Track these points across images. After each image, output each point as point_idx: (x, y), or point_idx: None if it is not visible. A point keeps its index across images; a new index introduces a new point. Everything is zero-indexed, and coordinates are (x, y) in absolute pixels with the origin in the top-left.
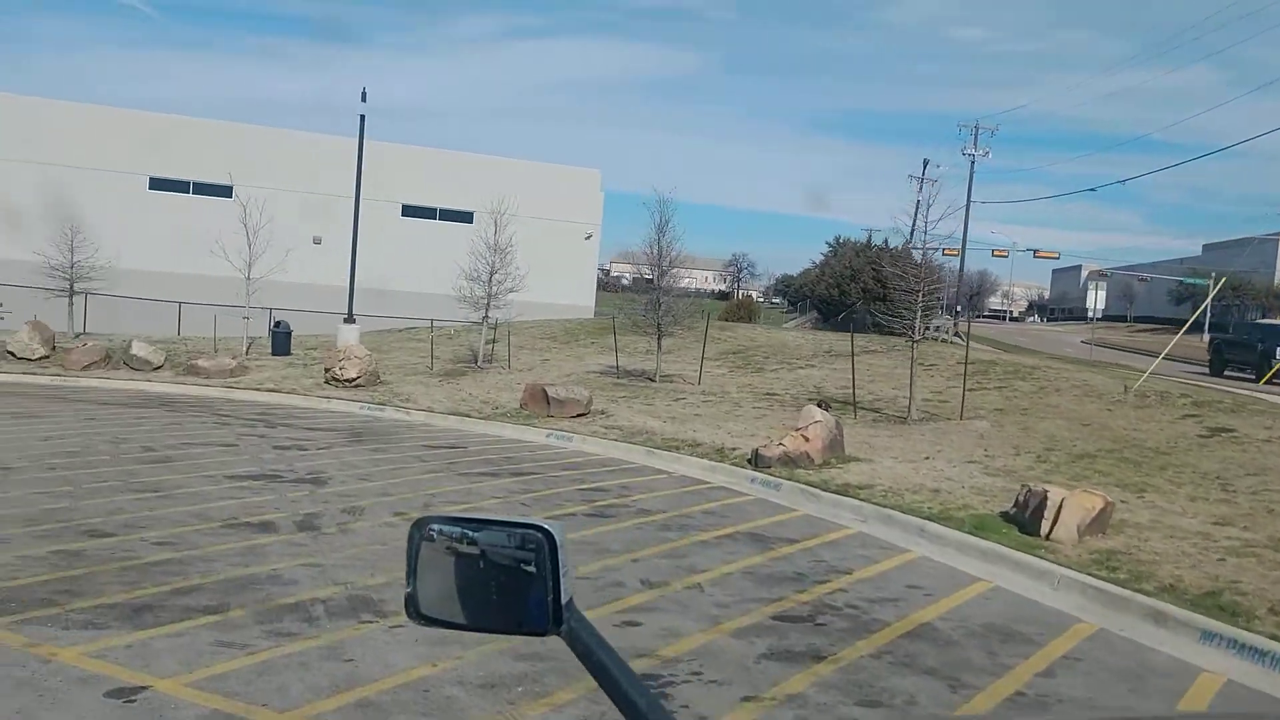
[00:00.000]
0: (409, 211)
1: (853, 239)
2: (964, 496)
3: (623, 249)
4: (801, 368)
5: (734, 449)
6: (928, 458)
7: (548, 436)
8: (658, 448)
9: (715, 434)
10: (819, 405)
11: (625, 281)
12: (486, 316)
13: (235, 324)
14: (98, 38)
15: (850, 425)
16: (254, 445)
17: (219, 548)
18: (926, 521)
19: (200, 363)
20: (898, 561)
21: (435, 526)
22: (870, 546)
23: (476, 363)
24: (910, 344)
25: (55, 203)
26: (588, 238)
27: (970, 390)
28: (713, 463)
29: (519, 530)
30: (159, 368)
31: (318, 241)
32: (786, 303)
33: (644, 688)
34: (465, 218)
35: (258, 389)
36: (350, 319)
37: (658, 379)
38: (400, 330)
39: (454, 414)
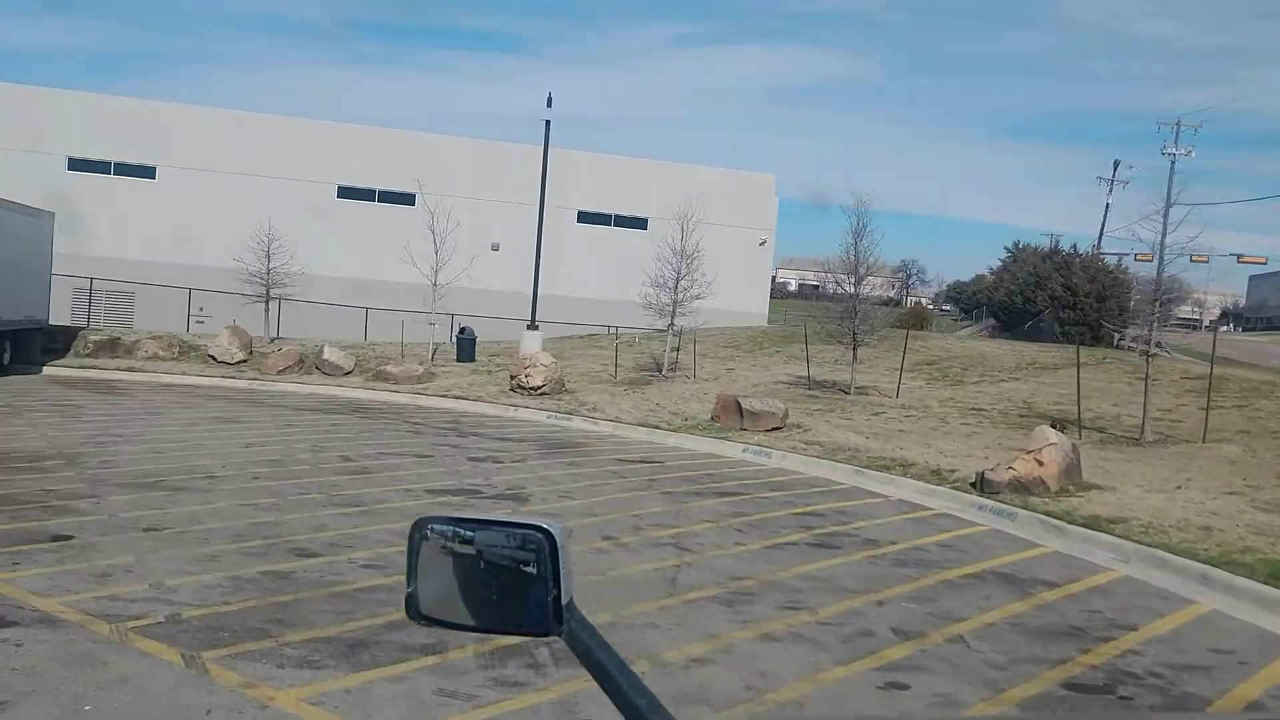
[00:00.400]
0: (584, 218)
1: (1033, 244)
2: (1241, 536)
3: (788, 255)
4: (1005, 381)
5: (952, 471)
6: (1179, 487)
7: (744, 451)
8: (865, 467)
9: (926, 453)
10: (1052, 426)
11: (791, 288)
12: (672, 324)
13: (420, 329)
14: (287, 57)
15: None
16: (449, 456)
17: None
18: (1208, 567)
19: (389, 368)
20: (1187, 616)
21: (436, 526)
22: (1147, 595)
23: (661, 371)
24: (1144, 358)
25: (250, 211)
26: (762, 243)
27: (1205, 409)
28: (930, 486)
29: (519, 530)
30: (349, 373)
31: (496, 248)
32: (959, 310)
33: (644, 688)
34: (639, 224)
35: (445, 395)
36: (533, 326)
37: (852, 391)
38: (580, 337)
39: (643, 425)
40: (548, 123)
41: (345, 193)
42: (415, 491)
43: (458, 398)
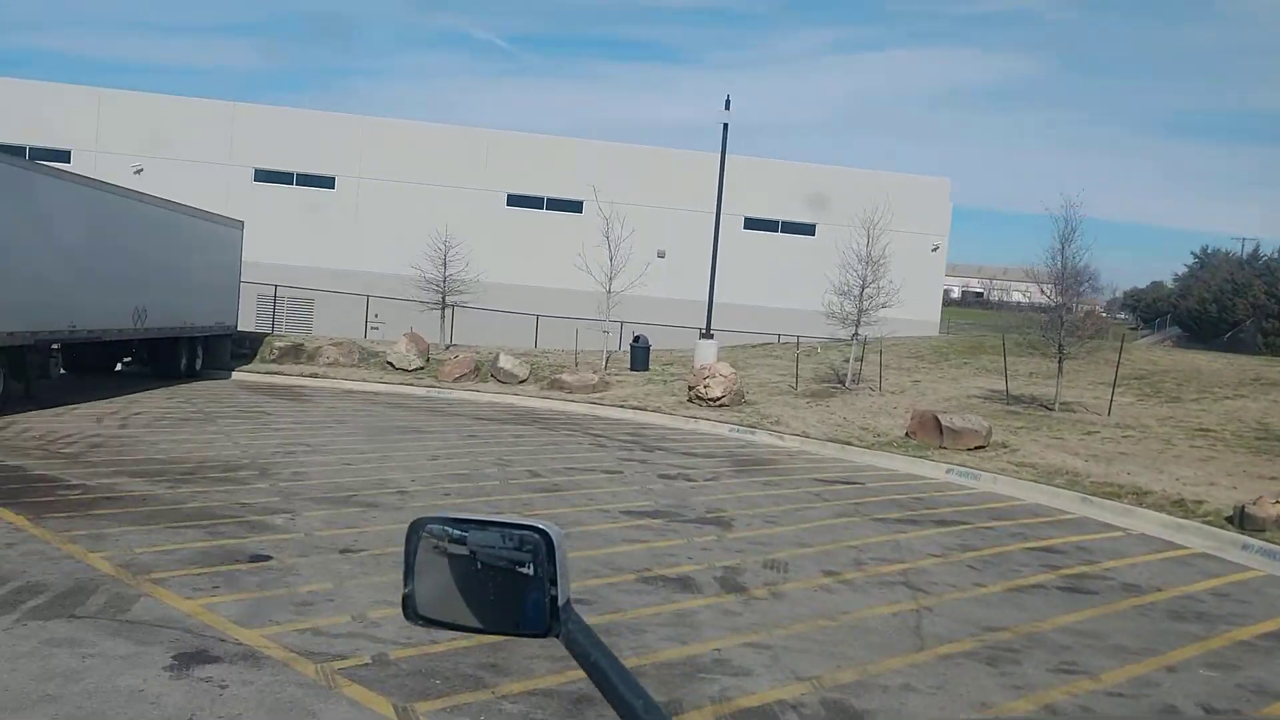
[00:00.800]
0: (751, 224)
1: (1223, 250)
2: None
3: (949, 262)
4: (1229, 398)
5: (1198, 502)
6: None
7: (948, 473)
8: (1091, 494)
9: (1159, 480)
10: None
11: (954, 295)
12: (856, 333)
13: (591, 337)
14: (457, 69)
15: None
16: (638, 473)
17: (643, 611)
18: None
19: (564, 377)
20: None
21: (433, 526)
22: None
23: (843, 383)
24: None
25: (421, 218)
26: (934, 250)
27: None
28: (1176, 519)
29: (516, 531)
30: (523, 381)
31: (661, 255)
32: (1136, 319)
33: (642, 690)
34: (807, 230)
35: (622, 406)
36: (708, 334)
37: (1056, 407)
38: (753, 346)
39: (832, 440)
40: (725, 126)
41: (515, 200)
42: (611, 513)
43: (635, 408)
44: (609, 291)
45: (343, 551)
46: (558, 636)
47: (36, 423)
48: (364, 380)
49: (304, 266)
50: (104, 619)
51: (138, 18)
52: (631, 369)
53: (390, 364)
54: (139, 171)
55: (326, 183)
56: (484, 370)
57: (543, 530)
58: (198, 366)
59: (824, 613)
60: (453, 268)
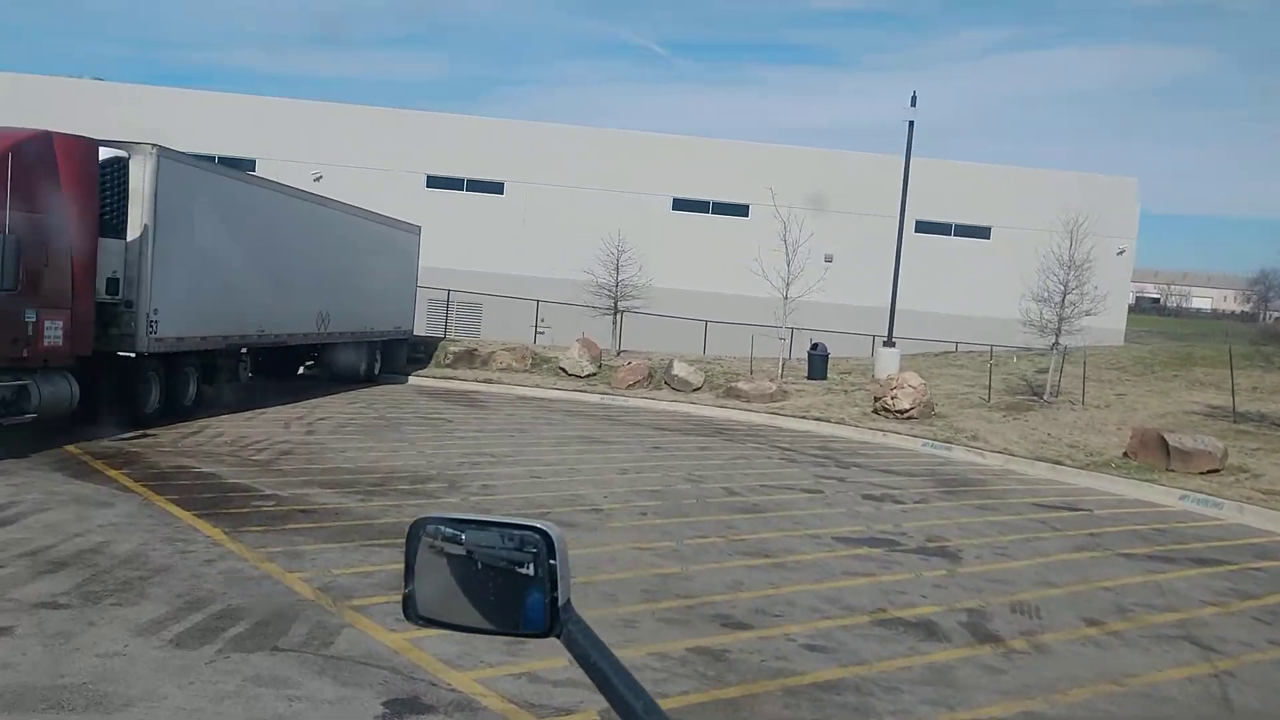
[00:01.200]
0: (923, 227)
1: None
2: None
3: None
4: None
5: None
6: None
7: (1182, 500)
8: None
9: None
10: None
11: (1129, 301)
12: (1056, 343)
13: (761, 344)
14: (614, 76)
15: None
16: (840, 493)
17: (890, 665)
18: None
19: (740, 385)
20: None
21: (433, 526)
22: None
23: (1040, 396)
24: None
25: (587, 223)
26: (1120, 253)
27: None
28: None
29: (517, 531)
30: (698, 389)
31: (829, 260)
32: None
33: (641, 690)
34: (982, 233)
35: (803, 416)
36: (890, 342)
37: None
38: (935, 355)
39: (1040, 459)
40: (911, 124)
41: (680, 205)
42: (823, 539)
43: (817, 419)
44: (786, 297)
45: None
46: (558, 637)
47: (228, 427)
48: (537, 386)
49: (470, 271)
50: (308, 653)
51: (315, 33)
52: (809, 377)
53: (563, 370)
54: (318, 179)
55: (495, 188)
56: (657, 377)
57: (543, 530)
58: (377, 371)
59: (1104, 674)
60: (625, 272)
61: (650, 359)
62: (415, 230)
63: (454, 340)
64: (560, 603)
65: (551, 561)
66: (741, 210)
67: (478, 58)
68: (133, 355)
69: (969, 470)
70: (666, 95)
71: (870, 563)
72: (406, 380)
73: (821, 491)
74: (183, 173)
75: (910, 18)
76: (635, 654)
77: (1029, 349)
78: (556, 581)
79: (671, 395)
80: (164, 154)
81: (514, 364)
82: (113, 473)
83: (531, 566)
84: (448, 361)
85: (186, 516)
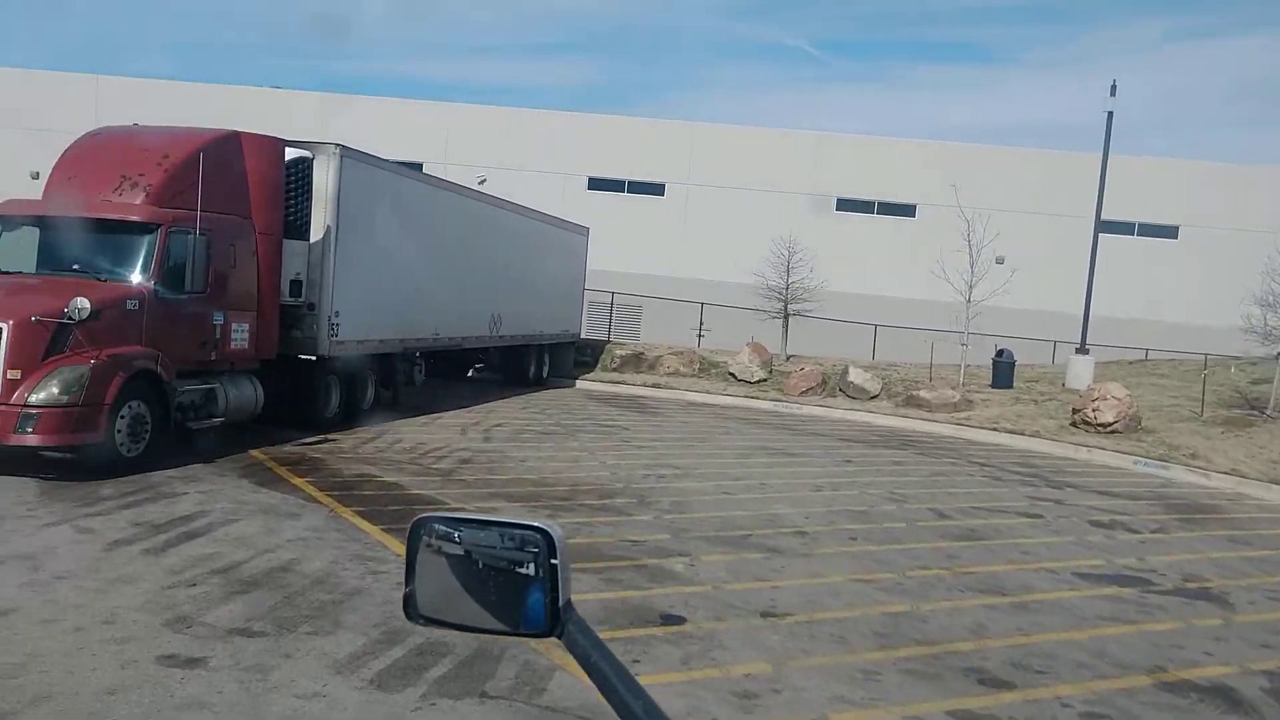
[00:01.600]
0: (1108, 227)
1: None
2: None
3: None
4: None
5: None
6: None
7: None
8: None
9: None
10: None
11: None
12: None
13: (936, 350)
14: (767, 78)
15: None
16: (1062, 519)
17: None
18: None
19: (921, 394)
20: None
21: (435, 526)
22: None
23: (1262, 410)
24: None
25: (755, 224)
26: None
27: None
28: None
29: (518, 531)
30: (875, 396)
31: (1000, 261)
32: None
33: (641, 690)
34: (1168, 232)
35: (993, 428)
36: (1083, 350)
37: None
38: (1129, 363)
39: (1275, 483)
40: (1110, 114)
41: (843, 205)
42: (1061, 575)
43: (1010, 431)
44: (968, 301)
45: (764, 615)
46: (559, 637)
47: (405, 432)
48: (707, 392)
49: (626, 273)
50: (519, 701)
51: (477, 42)
52: (993, 386)
53: (732, 375)
54: (483, 181)
55: (656, 189)
56: (831, 384)
57: (544, 530)
58: (545, 374)
59: None
60: (795, 274)
61: (821, 364)
62: (584, 231)
63: (619, 343)
64: (561, 602)
65: (552, 561)
66: (907, 210)
67: (629, 63)
68: (313, 358)
69: (1198, 494)
70: (818, 95)
71: (1125, 605)
72: (574, 384)
73: (1041, 516)
74: (364, 173)
75: (1078, 10)
76: (885, 718)
77: (1238, 357)
78: (557, 581)
79: (847, 403)
80: (347, 154)
81: (681, 369)
82: (297, 480)
83: (532, 566)
84: (614, 365)
85: (374, 531)
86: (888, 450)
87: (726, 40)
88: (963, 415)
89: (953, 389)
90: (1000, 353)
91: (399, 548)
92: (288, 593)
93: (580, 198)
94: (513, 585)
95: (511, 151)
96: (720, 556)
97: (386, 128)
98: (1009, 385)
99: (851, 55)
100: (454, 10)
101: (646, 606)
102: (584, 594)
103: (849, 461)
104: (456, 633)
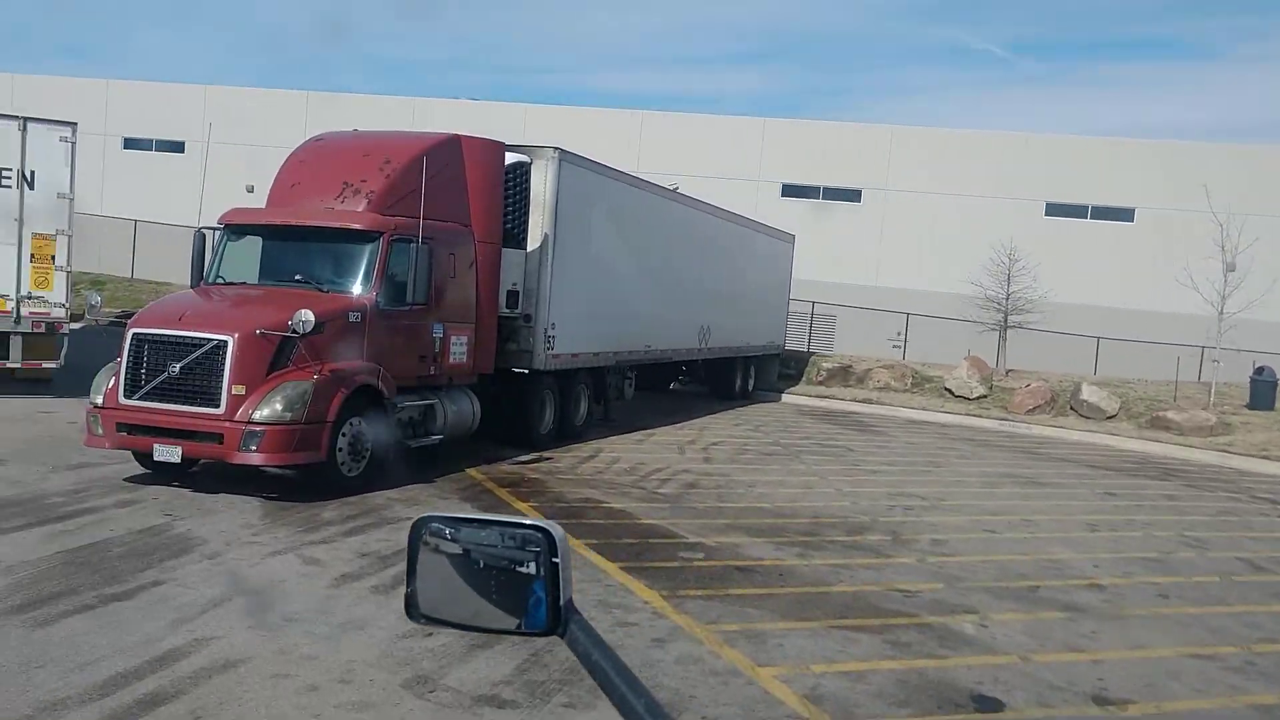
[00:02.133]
0: None
1: None
2: None
3: None
4: None
5: None
6: None
7: None
8: None
9: None
10: None
11: None
12: None
13: (1171, 365)
14: (953, 81)
15: None
16: None
17: None
18: None
19: (1169, 415)
20: None
21: (436, 525)
22: None
23: None
24: None
25: (958, 231)
26: None
27: None
28: None
29: (519, 531)
30: (1111, 416)
31: (1231, 269)
32: None
33: (643, 689)
34: None
35: (1263, 456)
36: None
37: None
38: None
39: None
40: None
41: (1054, 210)
42: None
43: None
44: (1221, 314)
45: (1098, 702)
46: (561, 636)
47: (621, 451)
48: (923, 409)
49: (820, 281)
50: None
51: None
52: (1249, 407)
53: (948, 390)
54: (675, 188)
55: (852, 195)
56: (1061, 402)
57: (545, 529)
58: (750, 388)
59: None
60: (1015, 284)
61: (1046, 380)
62: (789, 239)
63: (825, 356)
64: (563, 601)
65: (554, 560)
66: (1125, 215)
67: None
68: (527, 372)
69: None
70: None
71: None
72: (780, 398)
73: None
74: (581, 178)
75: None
76: None
77: None
78: (559, 580)
79: (1081, 423)
80: (565, 158)
81: (892, 383)
82: (521, 505)
83: (533, 565)
84: (820, 379)
85: (613, 569)
86: (1150, 481)
87: (916, 44)
88: (1222, 440)
89: (1205, 410)
90: (1260, 370)
91: (646, 593)
92: (533, 649)
93: (774, 205)
94: (513, 584)
95: (702, 158)
96: (1013, 615)
97: (578, 136)
98: (1270, 407)
99: (1040, 56)
100: (629, 23)
101: (948, 682)
102: (871, 662)
103: (1112, 494)
104: (732, 716)
